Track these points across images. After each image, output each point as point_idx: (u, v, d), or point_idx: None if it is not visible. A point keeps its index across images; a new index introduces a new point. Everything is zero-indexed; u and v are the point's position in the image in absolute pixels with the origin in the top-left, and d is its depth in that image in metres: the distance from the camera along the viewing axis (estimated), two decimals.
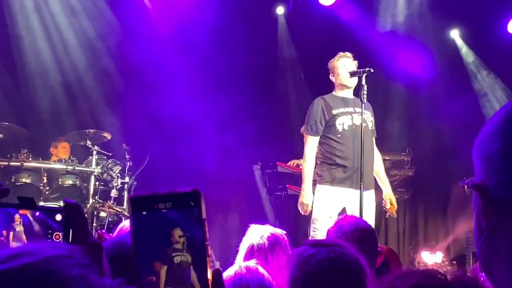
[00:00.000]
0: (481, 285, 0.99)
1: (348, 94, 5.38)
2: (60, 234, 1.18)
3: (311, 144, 5.27)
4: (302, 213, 5.27)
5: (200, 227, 0.90)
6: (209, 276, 0.90)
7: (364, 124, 5.10)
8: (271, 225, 3.10)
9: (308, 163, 5.25)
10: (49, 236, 1.18)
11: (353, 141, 5.18)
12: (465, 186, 6.58)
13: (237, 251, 2.99)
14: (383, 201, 5.43)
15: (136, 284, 0.90)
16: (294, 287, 1.88)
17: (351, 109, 5.31)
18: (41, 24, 7.78)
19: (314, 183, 5.31)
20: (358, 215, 4.75)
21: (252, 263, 2.28)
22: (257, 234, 2.93)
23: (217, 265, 6.18)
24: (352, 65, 5.33)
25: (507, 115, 0.95)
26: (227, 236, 7.48)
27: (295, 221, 7.03)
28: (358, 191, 4.96)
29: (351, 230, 2.85)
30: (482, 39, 8.62)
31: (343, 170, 5.16)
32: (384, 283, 1.01)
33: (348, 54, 5.37)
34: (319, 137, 5.28)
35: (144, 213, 0.91)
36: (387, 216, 6.90)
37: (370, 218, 4.96)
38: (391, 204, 5.40)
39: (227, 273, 2.19)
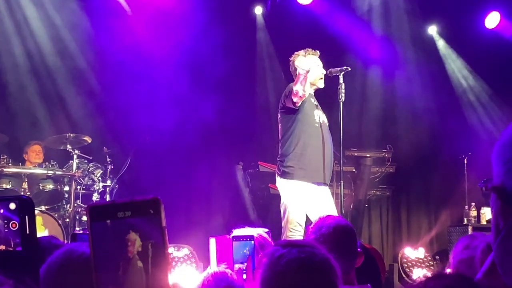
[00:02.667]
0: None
1: (312, 90, 5.30)
2: (16, 222, 1.20)
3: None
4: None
5: (160, 235, 0.89)
6: (170, 282, 0.90)
7: (328, 124, 5.19)
8: (252, 225, 3.11)
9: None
10: (6, 226, 1.19)
11: (323, 135, 5.11)
12: (483, 188, 6.65)
13: None
14: None
15: None
16: (265, 287, 1.87)
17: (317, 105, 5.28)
18: (15, 28, 7.71)
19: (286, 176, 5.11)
20: (327, 209, 4.76)
21: (221, 267, 2.28)
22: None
23: (201, 266, 6.17)
24: (321, 64, 5.28)
25: None
26: (209, 237, 7.46)
27: (278, 221, 7.04)
28: (325, 186, 5.03)
29: (329, 233, 2.85)
30: (460, 34, 8.70)
31: (316, 164, 5.02)
32: (415, 285, 1.00)
33: (318, 52, 5.28)
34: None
35: (103, 222, 0.90)
36: None
37: (334, 212, 4.93)
38: None
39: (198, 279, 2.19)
